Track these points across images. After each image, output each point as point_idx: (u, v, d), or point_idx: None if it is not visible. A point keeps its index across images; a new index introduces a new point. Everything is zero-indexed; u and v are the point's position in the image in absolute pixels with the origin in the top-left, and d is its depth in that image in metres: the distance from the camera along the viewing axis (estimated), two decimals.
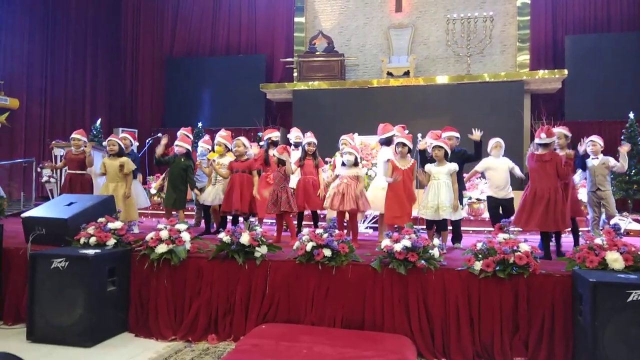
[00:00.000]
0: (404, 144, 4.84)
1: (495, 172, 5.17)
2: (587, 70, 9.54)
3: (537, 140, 4.29)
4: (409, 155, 4.90)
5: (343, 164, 5.02)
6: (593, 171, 5.13)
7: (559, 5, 10.27)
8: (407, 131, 5.49)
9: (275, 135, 5.91)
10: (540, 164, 4.27)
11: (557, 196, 4.17)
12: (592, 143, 5.18)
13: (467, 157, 5.07)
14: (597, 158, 5.17)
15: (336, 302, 3.73)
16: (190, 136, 6.11)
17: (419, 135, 5.61)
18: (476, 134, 4.92)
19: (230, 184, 5.18)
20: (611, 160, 5.14)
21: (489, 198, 5.25)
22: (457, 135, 5.18)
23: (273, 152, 5.11)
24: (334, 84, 10.27)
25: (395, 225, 4.34)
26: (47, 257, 3.81)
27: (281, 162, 4.99)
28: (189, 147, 5.59)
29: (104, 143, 5.88)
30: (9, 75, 9.50)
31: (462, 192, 5.26)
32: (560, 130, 4.81)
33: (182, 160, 5.50)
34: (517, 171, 5.28)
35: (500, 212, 5.09)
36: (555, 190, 4.19)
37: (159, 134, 6.63)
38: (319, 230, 3.88)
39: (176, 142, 5.62)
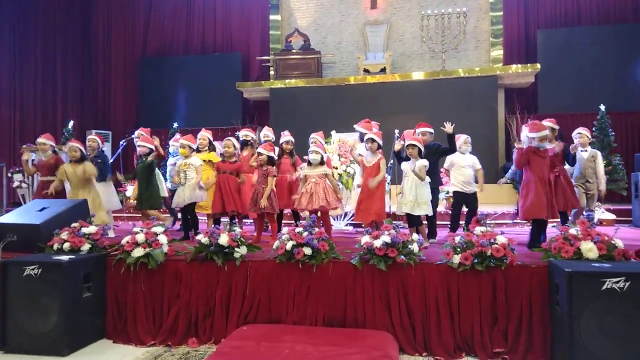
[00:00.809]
0: (373, 140, 4.86)
1: (463, 168, 5.22)
2: (559, 64, 9.71)
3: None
4: (379, 151, 4.92)
5: (309, 163, 5.01)
6: (583, 163, 5.17)
7: (530, 0, 10.44)
8: (377, 129, 5.51)
9: (245, 134, 5.92)
10: None
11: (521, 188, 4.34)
12: (579, 135, 5.23)
13: (441, 151, 5.10)
14: (586, 150, 5.22)
15: (317, 301, 3.72)
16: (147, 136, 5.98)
17: (396, 131, 5.62)
18: (449, 127, 4.95)
19: (218, 186, 5.13)
20: (599, 157, 5.22)
21: (457, 193, 5.26)
22: (431, 130, 5.19)
23: (260, 149, 5.07)
24: (311, 81, 10.25)
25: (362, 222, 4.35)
26: (19, 264, 3.70)
27: (270, 161, 4.97)
28: (152, 146, 5.49)
29: (64, 148, 5.71)
30: None
31: (439, 188, 5.29)
32: (546, 123, 4.88)
33: (144, 159, 5.41)
34: (480, 175, 5.29)
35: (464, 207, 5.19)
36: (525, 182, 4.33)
37: (133, 136, 6.51)
38: (298, 229, 3.87)
39: (138, 143, 5.53)
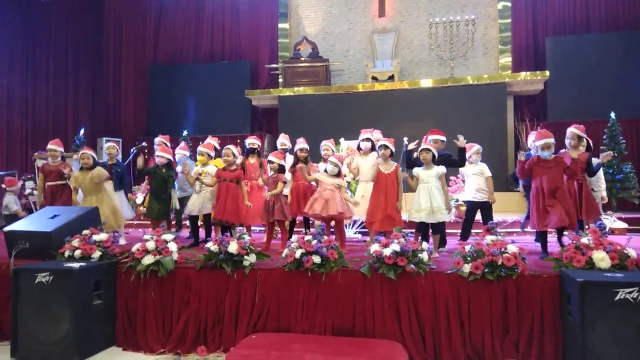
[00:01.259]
0: (386, 147, 4.86)
1: (469, 177, 5.21)
2: (568, 71, 9.66)
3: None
4: (390, 158, 4.91)
5: (325, 171, 5.02)
6: None
7: (538, 8, 10.42)
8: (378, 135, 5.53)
9: (252, 142, 5.90)
10: None
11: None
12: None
13: (450, 161, 5.07)
14: None
15: (326, 309, 3.71)
16: (168, 144, 6.02)
17: (405, 139, 5.62)
18: (461, 140, 4.93)
19: (217, 194, 5.13)
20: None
21: (469, 203, 5.25)
22: (443, 138, 5.18)
23: (270, 157, 5.08)
24: (320, 89, 10.28)
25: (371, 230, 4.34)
26: (31, 271, 3.72)
27: (280, 169, 4.99)
28: (170, 157, 5.52)
29: (75, 157, 5.79)
30: None
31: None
32: (573, 130, 4.85)
33: (164, 170, 5.43)
34: (489, 183, 5.26)
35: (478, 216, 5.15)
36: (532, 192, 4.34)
37: (143, 143, 6.56)
38: (307, 237, 3.86)
39: (157, 153, 5.55)
